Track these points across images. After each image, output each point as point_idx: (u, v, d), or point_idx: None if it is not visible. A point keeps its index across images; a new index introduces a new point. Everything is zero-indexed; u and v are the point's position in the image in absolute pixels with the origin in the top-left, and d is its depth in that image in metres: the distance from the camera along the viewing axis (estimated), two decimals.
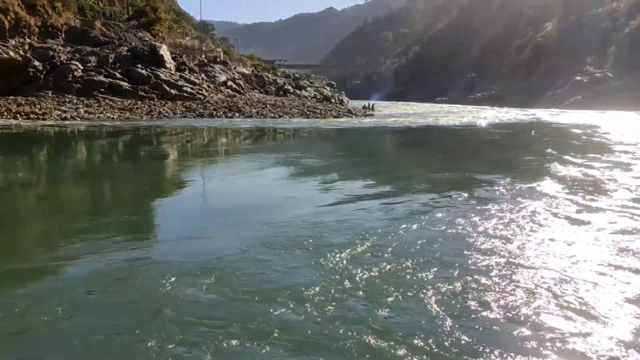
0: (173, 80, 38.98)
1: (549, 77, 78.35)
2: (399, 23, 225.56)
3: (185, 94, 38.14)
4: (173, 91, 37.75)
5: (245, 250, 5.46)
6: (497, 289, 4.46)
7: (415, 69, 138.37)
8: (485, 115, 45.25)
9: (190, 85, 39.91)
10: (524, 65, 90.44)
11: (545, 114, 48.30)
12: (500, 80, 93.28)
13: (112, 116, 29.35)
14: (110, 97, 34.16)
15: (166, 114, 31.81)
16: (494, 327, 3.79)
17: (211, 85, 44.15)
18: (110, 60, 38.47)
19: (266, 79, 56.72)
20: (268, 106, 39.69)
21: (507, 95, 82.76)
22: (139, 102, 34.37)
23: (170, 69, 40.99)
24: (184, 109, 34.05)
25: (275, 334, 3.60)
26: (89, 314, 3.92)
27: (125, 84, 36.17)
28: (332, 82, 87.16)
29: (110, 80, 35.77)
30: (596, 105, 57.27)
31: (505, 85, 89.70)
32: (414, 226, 6.60)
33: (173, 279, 4.55)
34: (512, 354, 3.34)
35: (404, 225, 6.61)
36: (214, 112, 34.09)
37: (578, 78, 69.62)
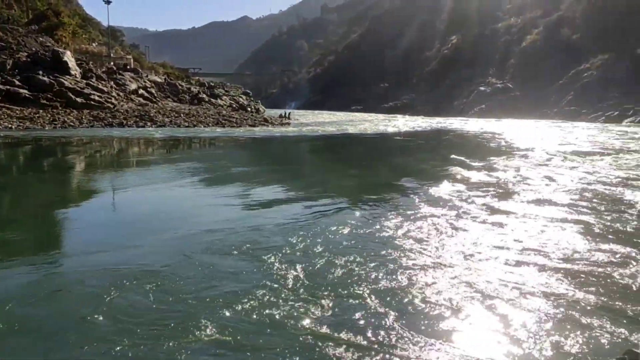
0: (79, 88, 37.05)
1: (455, 87, 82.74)
2: (314, 33, 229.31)
3: (92, 103, 36.37)
4: (79, 99, 35.87)
5: (176, 257, 5.36)
6: (420, 284, 4.67)
7: (331, 78, 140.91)
8: (397, 124, 46.91)
9: (98, 94, 38.13)
10: (432, 76, 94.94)
11: (453, 122, 50.98)
12: (411, 90, 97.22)
13: (10, 126, 27.38)
14: (7, 106, 31.84)
15: (72, 124, 30.16)
16: (423, 319, 3.92)
17: (121, 94, 42.43)
18: (8, 67, 35.94)
19: (180, 87, 55.40)
20: (182, 115, 38.78)
21: (418, 104, 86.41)
22: (41, 111, 32.31)
23: (76, 76, 38.94)
24: (92, 118, 32.46)
25: (213, 335, 3.63)
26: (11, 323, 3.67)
27: (24, 92, 33.88)
28: (248, 91, 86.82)
29: (8, 87, 33.38)
30: (498, 114, 61.29)
31: (416, 94, 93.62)
32: (334, 228, 6.75)
33: (97, 286, 4.38)
34: (436, 342, 3.51)
35: (326, 227, 6.77)
36: (125, 121, 32.79)
37: (482, 88, 74.12)
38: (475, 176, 12.12)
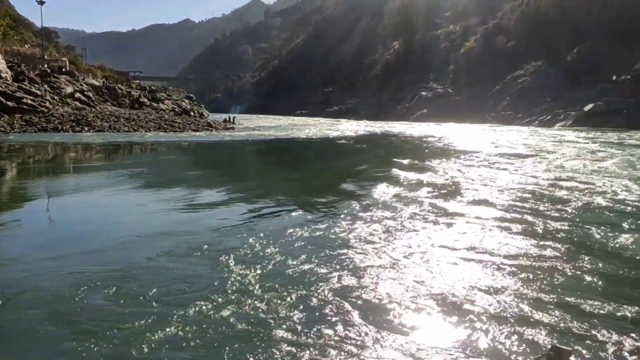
0: (10, 92, 35.24)
1: (398, 92, 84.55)
2: (258, 37, 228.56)
3: (25, 107, 34.68)
4: (10, 103, 34.13)
5: (130, 260, 5.21)
6: (371, 282, 4.72)
7: (275, 82, 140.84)
8: (341, 128, 47.35)
9: (31, 97, 36.41)
10: (376, 81, 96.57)
11: (396, 126, 52.01)
12: (355, 95, 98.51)
13: None
14: None
15: (2, 129, 28.67)
16: (378, 316, 3.94)
17: (56, 97, 40.71)
18: None
19: (119, 91, 53.79)
20: (122, 119, 37.65)
21: (362, 109, 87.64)
22: None
23: (7, 79, 37.07)
24: (24, 123, 30.98)
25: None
26: None
27: None
28: (192, 95, 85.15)
29: None
30: (440, 118, 63.09)
31: (360, 99, 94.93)
32: (284, 229, 6.75)
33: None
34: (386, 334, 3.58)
35: (276, 229, 6.75)
36: (60, 126, 31.47)
37: (423, 93, 76.10)
38: (418, 178, 12.39)
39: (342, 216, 7.94)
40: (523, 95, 58.69)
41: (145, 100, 54.96)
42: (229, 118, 53.06)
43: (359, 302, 4.46)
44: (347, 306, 4.35)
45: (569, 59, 57.41)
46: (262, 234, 6.68)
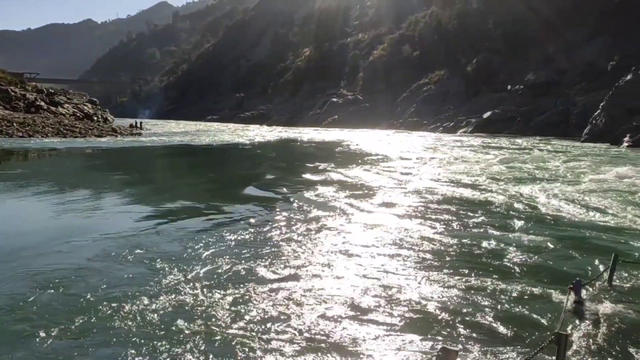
0: None
1: (309, 98, 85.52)
2: (165, 40, 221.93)
3: None
4: None
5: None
6: (302, 280, 4.70)
7: (186, 87, 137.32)
8: (253, 134, 47.08)
9: None
10: (288, 87, 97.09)
11: (308, 132, 52.48)
12: (267, 101, 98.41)
13: None
14: None
15: None
16: (311, 311, 3.88)
17: None
18: None
19: (12, 93, 49.85)
20: (15, 124, 34.89)
21: (274, 114, 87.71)
22: None
23: None
24: None
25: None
26: None
27: None
28: (95, 99, 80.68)
29: None
30: (350, 124, 64.48)
31: (272, 105, 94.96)
32: (203, 235, 6.55)
33: None
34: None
35: (200, 235, 6.56)
36: None
37: (334, 100, 77.49)
38: (330, 181, 12.56)
39: (262, 220, 7.93)
40: (428, 102, 61.49)
41: (43, 103, 51.40)
42: (136, 123, 51.04)
43: (277, 295, 4.58)
44: (286, 303, 4.46)
45: (469, 69, 60.95)
46: (174, 237, 6.63)
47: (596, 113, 33.85)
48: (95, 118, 54.56)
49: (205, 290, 4.77)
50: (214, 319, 4.12)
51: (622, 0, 48.99)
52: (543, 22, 54.25)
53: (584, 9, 52.22)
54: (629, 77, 33.09)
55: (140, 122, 53.44)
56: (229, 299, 4.57)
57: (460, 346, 2.66)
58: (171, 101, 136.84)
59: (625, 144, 28.68)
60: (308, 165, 17.05)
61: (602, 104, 33.56)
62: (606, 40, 48.12)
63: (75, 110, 55.31)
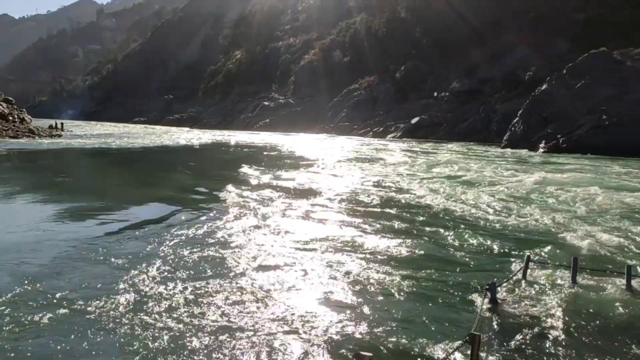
0: None
1: (241, 101, 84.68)
2: (89, 39, 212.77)
3: None
4: None
5: None
6: (256, 276, 4.66)
7: (112, 87, 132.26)
8: (184, 136, 46.05)
9: None
10: (219, 90, 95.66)
11: (239, 135, 51.93)
12: (197, 103, 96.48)
13: None
14: None
15: None
16: (270, 306, 3.87)
17: None
18: None
19: None
20: None
21: (205, 117, 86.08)
22: None
23: None
24: None
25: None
26: None
27: None
28: (10, 98, 75.83)
29: None
30: (282, 127, 64.42)
31: (202, 107, 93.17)
32: (145, 236, 6.71)
33: None
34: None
35: (130, 236, 6.60)
36: None
37: (266, 103, 77.14)
38: (266, 183, 12.63)
39: (202, 220, 7.88)
40: (359, 107, 62.51)
41: None
42: (56, 124, 48.53)
43: (252, 293, 4.76)
44: (244, 298, 4.74)
45: (397, 75, 62.53)
46: (139, 240, 6.79)
47: (515, 120, 35.68)
48: (11, 118, 51.26)
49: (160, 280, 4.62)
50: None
51: (537, 15, 52.07)
52: (469, 32, 56.66)
53: (504, 21, 55.03)
54: (544, 87, 35.15)
55: (62, 123, 50.92)
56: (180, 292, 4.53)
57: (371, 353, 2.69)
58: (97, 102, 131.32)
59: (541, 150, 30.48)
60: (245, 167, 16.95)
61: (520, 112, 35.41)
62: (524, 51, 50.90)
63: None
